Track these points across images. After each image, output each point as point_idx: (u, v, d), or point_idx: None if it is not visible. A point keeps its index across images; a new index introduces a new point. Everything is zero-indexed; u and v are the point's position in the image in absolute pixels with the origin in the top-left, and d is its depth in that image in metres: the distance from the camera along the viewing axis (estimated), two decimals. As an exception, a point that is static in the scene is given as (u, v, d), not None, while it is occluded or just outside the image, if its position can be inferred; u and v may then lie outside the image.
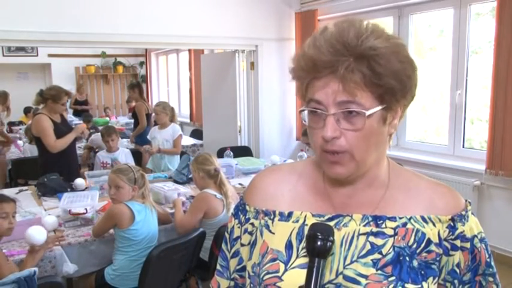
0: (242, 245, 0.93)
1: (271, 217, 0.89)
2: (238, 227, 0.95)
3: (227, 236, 0.97)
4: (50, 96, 3.85)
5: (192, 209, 2.86)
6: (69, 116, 7.38)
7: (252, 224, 0.92)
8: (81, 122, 6.89)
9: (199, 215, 2.82)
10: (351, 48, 0.76)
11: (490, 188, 3.87)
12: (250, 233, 0.92)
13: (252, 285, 0.87)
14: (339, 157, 0.79)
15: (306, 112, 0.82)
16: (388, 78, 0.76)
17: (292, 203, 0.89)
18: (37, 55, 9.20)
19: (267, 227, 0.88)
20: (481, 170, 3.82)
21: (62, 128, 3.91)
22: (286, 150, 5.82)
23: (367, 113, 0.76)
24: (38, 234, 2.24)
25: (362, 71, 0.75)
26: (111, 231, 2.62)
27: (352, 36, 0.77)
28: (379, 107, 0.78)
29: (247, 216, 0.93)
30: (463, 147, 4.16)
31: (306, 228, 0.84)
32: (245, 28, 5.31)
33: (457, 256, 0.83)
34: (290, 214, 0.87)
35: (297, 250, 0.84)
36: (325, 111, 0.78)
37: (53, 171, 3.68)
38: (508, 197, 3.77)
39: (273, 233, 0.87)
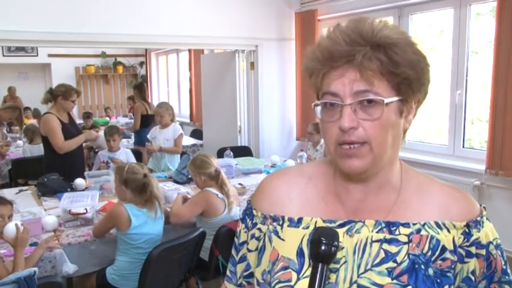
0: (249, 250, 0.91)
1: (280, 223, 0.86)
2: (245, 232, 0.92)
3: (236, 240, 0.95)
4: (61, 93, 3.85)
5: (191, 203, 2.87)
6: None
7: (260, 229, 0.89)
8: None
9: (196, 210, 2.83)
10: (367, 38, 0.76)
11: (490, 188, 3.87)
12: (258, 239, 0.89)
13: None
14: (357, 149, 0.77)
15: (319, 107, 0.81)
16: (404, 68, 0.76)
17: (302, 208, 0.87)
18: (37, 55, 9.20)
19: (276, 233, 0.86)
20: (481, 170, 3.82)
21: (69, 129, 3.91)
22: (286, 150, 5.82)
23: (386, 100, 0.76)
24: (10, 229, 2.25)
25: (379, 58, 0.75)
26: (112, 231, 2.63)
27: (367, 27, 0.77)
28: (396, 98, 0.77)
29: (254, 221, 0.91)
30: (463, 147, 4.16)
31: None
32: (245, 28, 5.31)
33: (472, 263, 0.81)
34: (300, 220, 0.85)
35: (309, 258, 0.81)
36: (341, 102, 0.77)
37: (58, 171, 3.68)
38: (508, 197, 3.77)
39: (283, 240, 0.84)
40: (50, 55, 9.14)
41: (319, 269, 0.75)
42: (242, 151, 5.14)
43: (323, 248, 0.75)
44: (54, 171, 3.67)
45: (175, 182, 3.79)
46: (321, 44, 0.79)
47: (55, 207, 3.12)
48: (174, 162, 4.58)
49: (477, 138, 4.20)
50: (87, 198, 3.07)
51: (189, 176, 3.81)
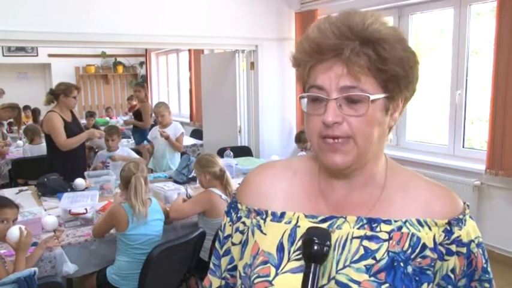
0: (233, 244, 0.91)
1: (263, 217, 0.86)
2: (230, 225, 0.92)
3: (220, 234, 0.95)
4: (61, 91, 3.89)
5: (193, 201, 2.88)
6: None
7: (244, 222, 0.89)
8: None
9: (197, 209, 2.83)
10: (357, 31, 0.75)
11: (490, 188, 3.87)
12: (242, 232, 0.89)
13: (243, 286, 0.85)
14: (341, 144, 0.76)
15: (305, 100, 0.80)
16: (392, 65, 0.75)
17: (286, 203, 0.86)
18: (37, 55, 9.19)
19: (259, 227, 0.86)
20: (481, 170, 3.82)
21: (72, 127, 3.93)
22: (286, 150, 5.82)
23: (372, 97, 0.75)
24: (14, 233, 2.25)
25: (368, 54, 0.74)
26: (112, 231, 2.62)
27: (358, 20, 0.76)
28: (383, 95, 0.77)
29: (238, 215, 0.90)
30: (463, 147, 4.16)
31: (299, 230, 0.82)
32: (245, 28, 5.31)
33: (452, 261, 0.81)
34: (282, 214, 0.85)
35: (289, 253, 0.81)
36: (327, 97, 0.76)
37: (60, 170, 3.69)
38: (508, 197, 3.77)
39: (265, 234, 0.84)
40: (50, 55, 9.13)
41: (312, 269, 0.75)
42: (242, 151, 5.15)
43: (315, 248, 0.75)
44: (56, 170, 3.68)
45: (175, 182, 3.79)
46: (310, 36, 0.78)
47: (55, 207, 3.12)
48: (175, 162, 4.58)
49: (477, 138, 4.20)
50: (87, 198, 3.07)
51: (189, 176, 3.82)
